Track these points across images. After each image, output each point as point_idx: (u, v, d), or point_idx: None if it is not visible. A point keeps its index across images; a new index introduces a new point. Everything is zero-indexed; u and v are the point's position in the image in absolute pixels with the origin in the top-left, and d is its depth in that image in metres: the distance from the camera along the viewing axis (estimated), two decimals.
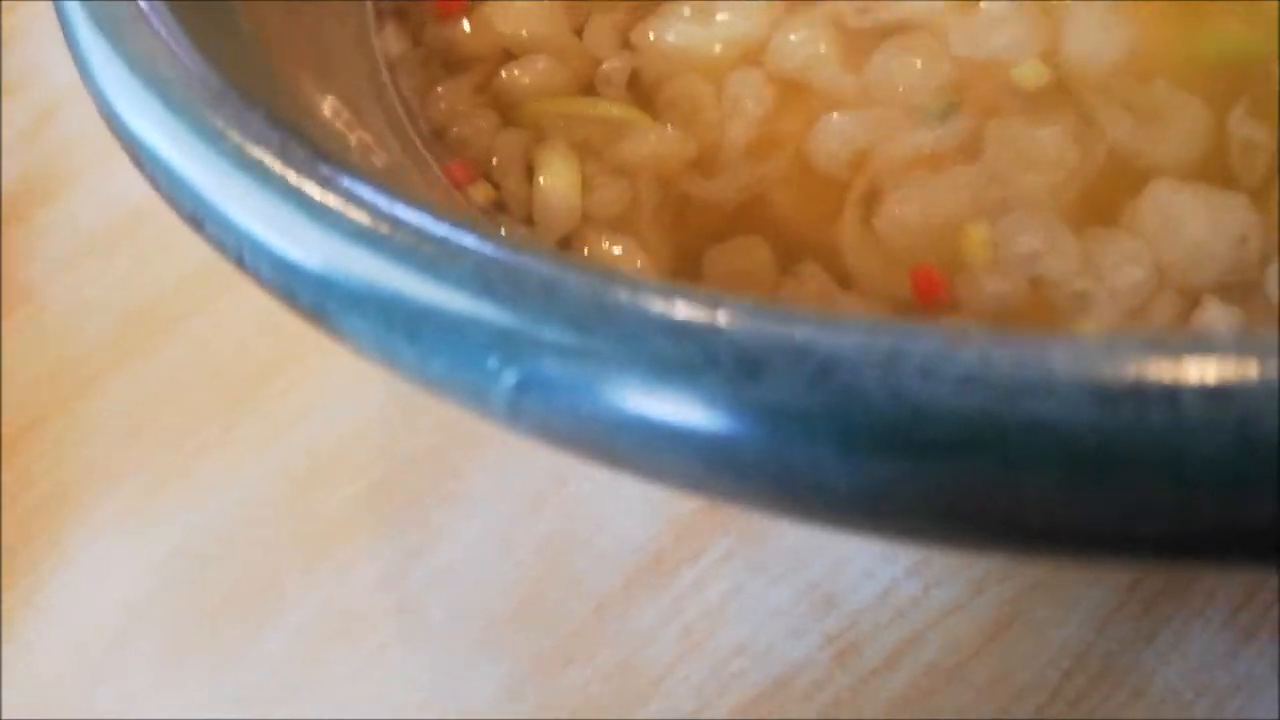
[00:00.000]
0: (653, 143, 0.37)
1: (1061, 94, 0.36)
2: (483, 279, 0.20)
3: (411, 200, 0.23)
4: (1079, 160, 0.34)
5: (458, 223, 0.22)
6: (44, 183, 0.58)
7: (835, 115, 0.36)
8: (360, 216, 0.22)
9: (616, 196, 0.36)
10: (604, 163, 0.37)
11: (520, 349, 0.20)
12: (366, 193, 0.22)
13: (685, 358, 0.19)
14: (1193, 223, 0.32)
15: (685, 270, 0.35)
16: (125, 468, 0.48)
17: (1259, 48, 0.36)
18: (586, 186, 0.37)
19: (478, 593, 0.44)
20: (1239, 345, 0.17)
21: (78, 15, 0.27)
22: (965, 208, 0.34)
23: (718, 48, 0.38)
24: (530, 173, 0.37)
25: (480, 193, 0.37)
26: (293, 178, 0.23)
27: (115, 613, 0.45)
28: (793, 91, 0.38)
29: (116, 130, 0.26)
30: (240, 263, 0.24)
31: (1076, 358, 0.17)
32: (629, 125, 0.38)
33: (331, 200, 0.22)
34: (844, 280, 0.34)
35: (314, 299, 0.22)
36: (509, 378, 0.20)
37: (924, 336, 0.18)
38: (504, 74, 0.39)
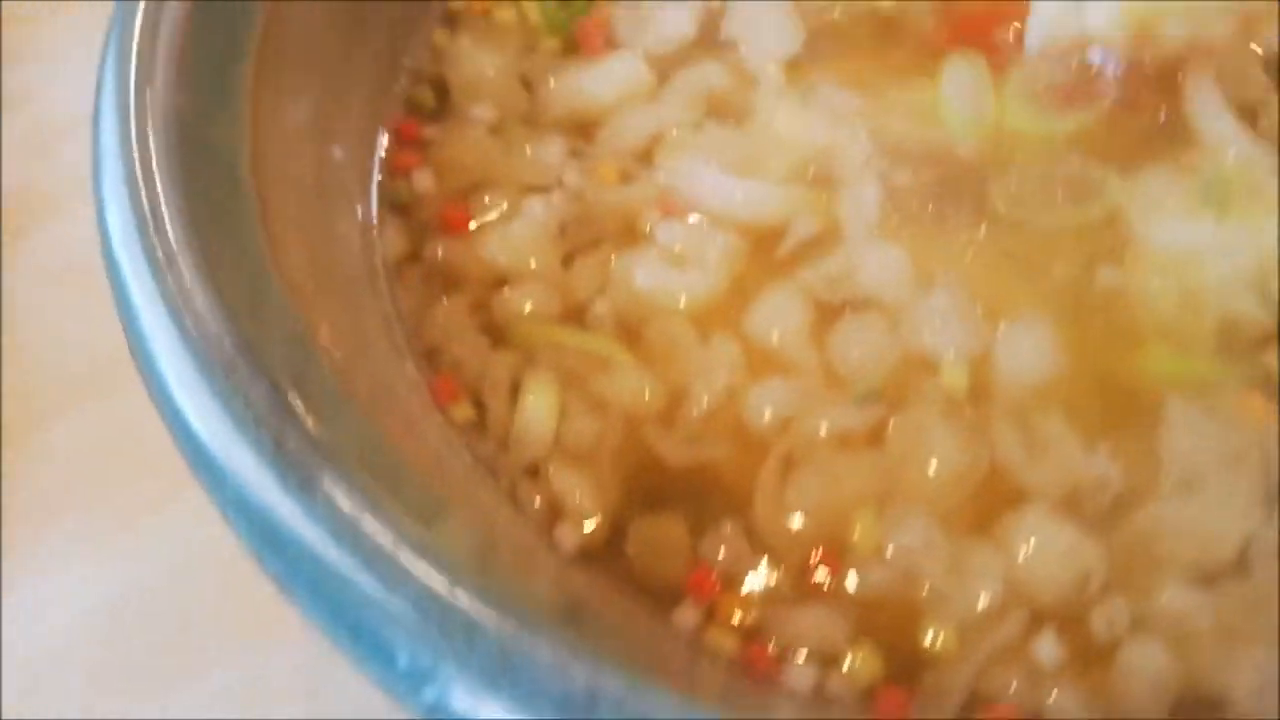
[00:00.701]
0: (630, 385, 0.41)
1: (971, 402, 0.40)
2: (420, 611, 0.25)
3: (381, 499, 0.27)
4: (966, 468, 0.39)
5: (415, 542, 0.26)
6: (37, 204, 0.59)
7: (772, 381, 0.41)
8: (333, 522, 0.26)
9: (587, 430, 0.40)
10: (583, 394, 0.41)
11: (437, 680, 0.25)
12: (340, 494, 0.27)
13: None
14: (1050, 553, 0.37)
15: (624, 517, 0.39)
16: (74, 505, 0.50)
17: (1187, 372, 0.41)
18: (563, 414, 0.40)
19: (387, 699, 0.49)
20: None
21: (123, 256, 0.31)
22: (862, 492, 0.39)
23: (683, 300, 0.42)
24: (514, 394, 0.41)
25: (460, 413, 0.40)
26: (280, 470, 0.27)
27: (52, 638, 0.47)
28: (761, 358, 0.41)
29: (138, 358, 0.31)
30: (223, 515, 0.28)
31: None
32: (611, 360, 0.41)
33: (310, 500, 0.27)
34: (756, 544, 0.38)
35: (279, 575, 0.27)
36: (428, 695, 0.25)
37: None
38: (501, 296, 0.43)
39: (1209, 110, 0.43)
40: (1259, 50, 0.43)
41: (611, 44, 0.50)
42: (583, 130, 0.47)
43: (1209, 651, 0.36)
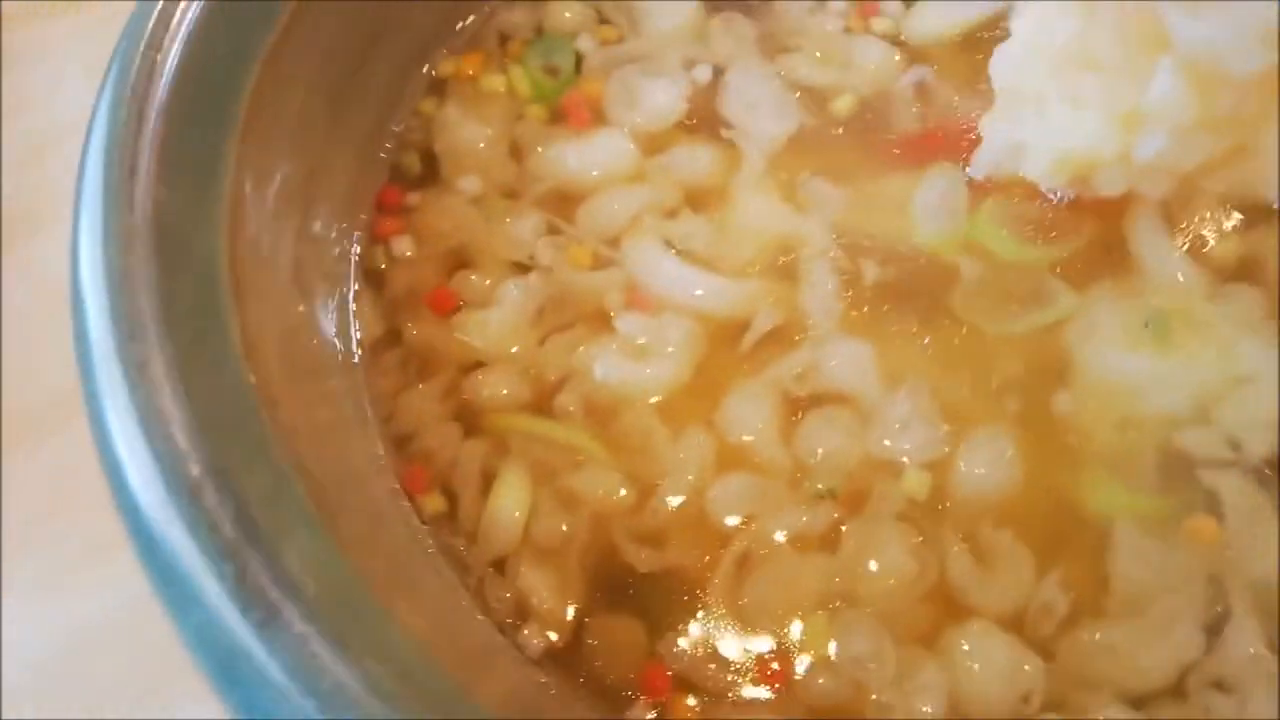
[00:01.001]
0: (601, 482, 0.41)
1: (924, 513, 0.41)
2: None
3: (338, 634, 0.28)
4: (916, 577, 0.40)
5: (371, 683, 0.27)
6: (33, 212, 0.58)
7: (735, 478, 0.42)
8: (291, 661, 0.27)
9: (557, 528, 0.41)
10: (554, 489, 0.41)
11: None
12: (299, 632, 0.28)
13: None
14: (992, 669, 0.38)
15: (587, 612, 0.39)
16: (67, 518, 0.49)
17: (1128, 506, 0.41)
18: (534, 511, 0.41)
19: None
20: None
21: (101, 369, 0.32)
22: (814, 595, 0.40)
23: (647, 392, 0.43)
24: (486, 485, 0.41)
25: (431, 504, 0.41)
26: (243, 604, 0.28)
27: (51, 643, 0.47)
28: (731, 454, 0.42)
29: (109, 473, 0.31)
30: (185, 641, 0.29)
31: None
32: (582, 453, 0.42)
33: (270, 638, 0.28)
34: (710, 645, 0.39)
35: (237, 704, 0.28)
36: None
37: None
38: (475, 381, 0.43)
39: (1151, 242, 0.44)
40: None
41: (600, 118, 0.50)
42: (563, 206, 0.48)
43: None
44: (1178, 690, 0.38)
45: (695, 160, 0.48)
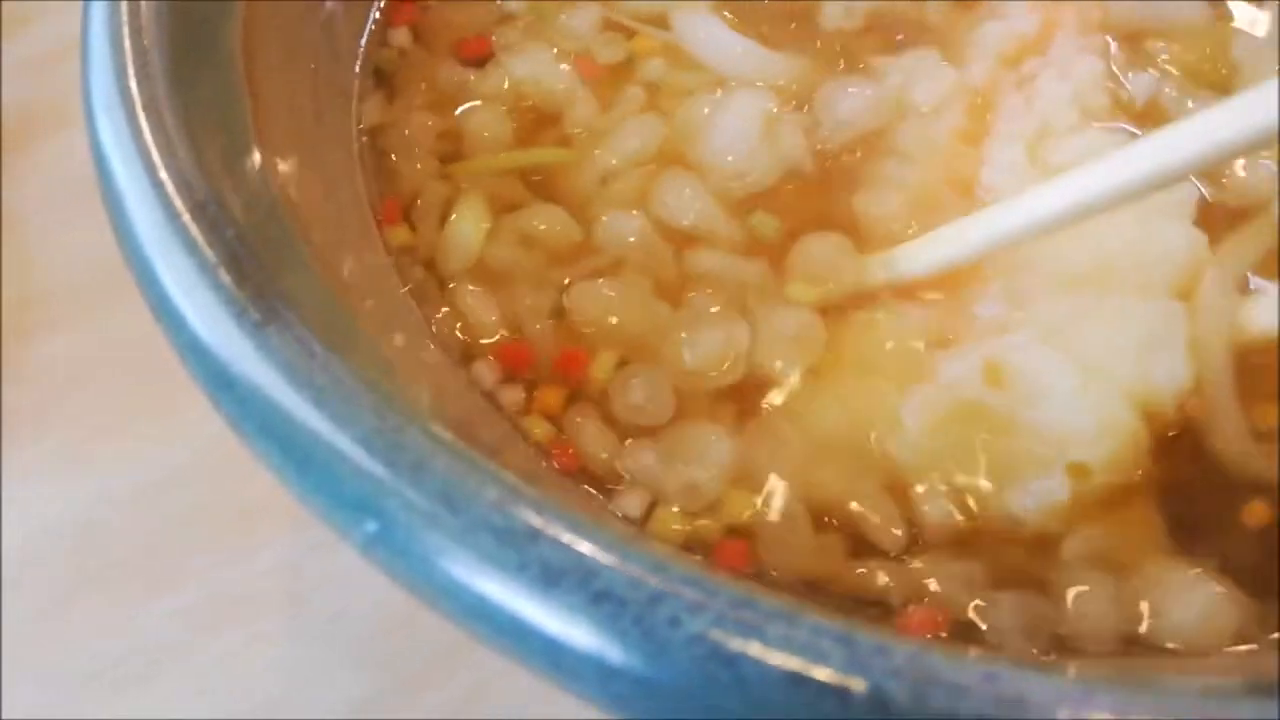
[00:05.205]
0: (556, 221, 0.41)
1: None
2: (368, 444, 0.24)
3: (335, 342, 0.27)
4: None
5: (365, 383, 0.26)
6: (49, 116, 0.58)
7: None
8: (289, 359, 0.26)
9: (509, 255, 0.40)
10: (511, 226, 0.41)
11: (381, 510, 0.24)
12: (299, 333, 0.26)
13: (504, 558, 0.23)
14: None
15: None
16: (64, 413, 0.50)
17: None
18: (491, 240, 0.40)
19: (362, 602, 0.46)
20: None
21: (100, 100, 0.30)
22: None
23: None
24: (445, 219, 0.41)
25: (399, 235, 0.40)
26: (239, 308, 0.26)
27: (24, 549, 0.47)
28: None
29: (109, 205, 0.30)
30: (182, 359, 0.27)
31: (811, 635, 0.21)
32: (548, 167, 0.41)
33: (266, 337, 0.26)
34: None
35: (233, 413, 0.26)
36: (370, 526, 0.24)
37: (680, 588, 0.22)
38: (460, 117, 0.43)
39: None
40: None
41: None
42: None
43: None
44: None
45: None
